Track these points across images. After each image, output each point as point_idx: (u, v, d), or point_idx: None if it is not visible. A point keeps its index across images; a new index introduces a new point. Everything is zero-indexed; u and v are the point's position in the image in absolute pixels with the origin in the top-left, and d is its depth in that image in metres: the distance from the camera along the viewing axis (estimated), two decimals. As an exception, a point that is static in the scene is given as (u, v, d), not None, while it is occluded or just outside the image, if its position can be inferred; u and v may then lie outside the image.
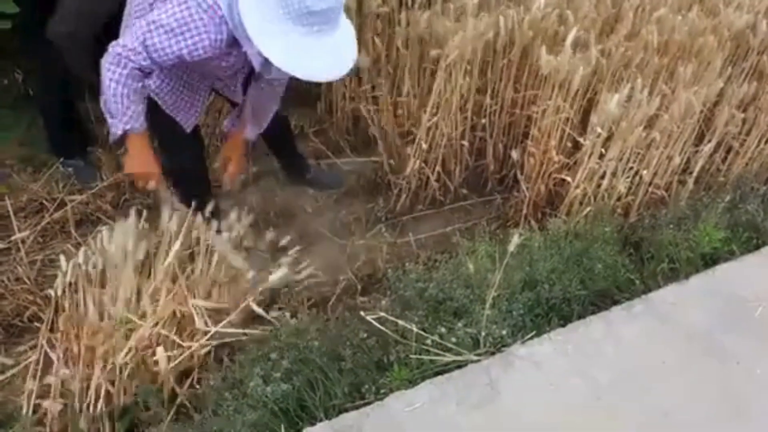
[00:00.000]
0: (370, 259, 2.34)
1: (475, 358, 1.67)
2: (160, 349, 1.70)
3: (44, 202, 2.40)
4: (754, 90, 2.39)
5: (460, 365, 1.66)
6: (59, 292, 1.89)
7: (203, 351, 1.80)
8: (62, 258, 1.93)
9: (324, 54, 1.53)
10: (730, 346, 1.78)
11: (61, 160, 2.52)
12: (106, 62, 1.58)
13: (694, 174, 2.35)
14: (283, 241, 2.24)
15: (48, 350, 1.85)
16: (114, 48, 1.57)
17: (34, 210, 2.38)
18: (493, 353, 1.70)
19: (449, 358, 1.65)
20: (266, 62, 1.54)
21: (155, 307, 1.81)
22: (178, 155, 2.04)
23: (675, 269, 2.04)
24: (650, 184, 2.31)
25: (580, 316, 1.84)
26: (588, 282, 1.92)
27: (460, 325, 1.71)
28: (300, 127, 2.83)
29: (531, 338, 1.74)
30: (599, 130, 2.11)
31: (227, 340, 1.84)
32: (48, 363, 1.82)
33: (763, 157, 2.47)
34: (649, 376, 1.69)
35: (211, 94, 2.06)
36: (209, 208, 2.04)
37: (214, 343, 1.82)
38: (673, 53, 2.29)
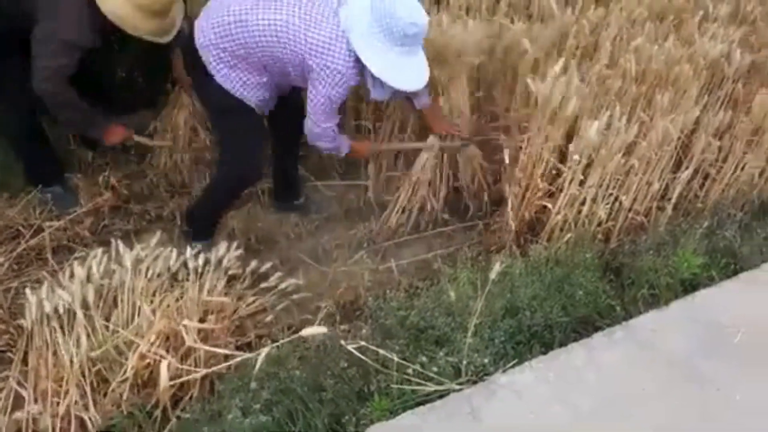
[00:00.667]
0: (351, 286, 2.32)
1: (457, 387, 1.66)
2: (163, 364, 1.66)
3: (20, 228, 2.36)
4: (729, 118, 2.43)
5: (441, 394, 1.64)
6: (29, 326, 1.84)
7: (200, 375, 1.76)
8: (28, 292, 1.88)
9: (412, 69, 2.02)
10: (710, 372, 1.78)
11: (39, 187, 2.48)
12: (323, 145, 2.20)
13: (673, 200, 2.38)
14: (264, 268, 2.22)
15: (20, 382, 1.80)
16: (324, 131, 2.12)
17: (10, 236, 2.34)
18: (474, 382, 1.68)
19: (431, 387, 1.64)
20: (377, 84, 2.01)
21: (150, 326, 1.81)
22: (245, 152, 2.22)
23: (655, 295, 2.05)
24: (630, 209, 2.33)
25: (562, 343, 1.84)
26: (569, 308, 1.92)
27: (441, 353, 1.70)
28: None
29: (512, 366, 1.73)
30: (577, 157, 2.13)
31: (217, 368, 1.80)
32: (20, 395, 1.77)
33: (740, 184, 2.51)
34: (629, 402, 1.69)
35: None
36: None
37: (204, 372, 1.77)
38: (650, 82, 2.33)
